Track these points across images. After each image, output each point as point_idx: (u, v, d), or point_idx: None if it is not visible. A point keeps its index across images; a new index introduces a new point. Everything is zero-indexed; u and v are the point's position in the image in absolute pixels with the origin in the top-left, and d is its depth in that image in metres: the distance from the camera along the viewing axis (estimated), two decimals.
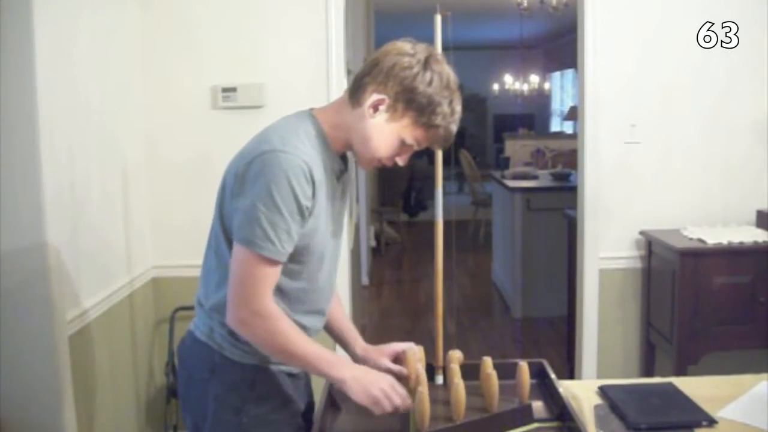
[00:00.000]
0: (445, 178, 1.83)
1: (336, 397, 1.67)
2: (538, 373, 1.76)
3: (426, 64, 1.51)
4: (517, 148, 10.16)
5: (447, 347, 1.80)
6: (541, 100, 12.40)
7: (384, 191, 8.33)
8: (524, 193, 5.36)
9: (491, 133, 14.08)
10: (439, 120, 1.51)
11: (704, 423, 1.62)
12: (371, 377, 1.53)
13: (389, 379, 1.54)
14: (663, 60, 3.23)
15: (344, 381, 1.51)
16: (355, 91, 1.55)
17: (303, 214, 1.48)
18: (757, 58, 3.22)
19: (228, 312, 1.51)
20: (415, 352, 1.72)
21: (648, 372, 3.29)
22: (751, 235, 3.03)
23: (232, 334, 1.58)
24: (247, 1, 3.14)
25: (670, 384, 1.84)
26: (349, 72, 3.97)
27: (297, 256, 1.54)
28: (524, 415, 1.54)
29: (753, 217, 3.26)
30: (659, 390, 1.81)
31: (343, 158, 1.65)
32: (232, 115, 3.15)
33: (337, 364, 1.53)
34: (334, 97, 3.14)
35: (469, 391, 1.54)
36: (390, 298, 6.16)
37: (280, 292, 1.56)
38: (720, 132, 3.27)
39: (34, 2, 2.14)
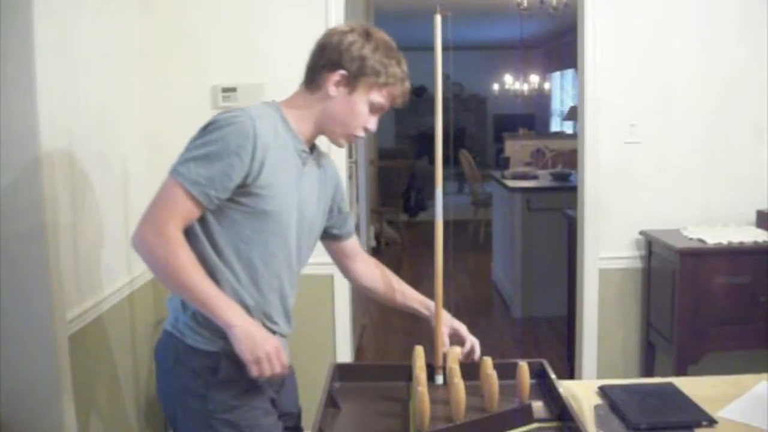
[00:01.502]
0: (445, 178, 1.83)
1: (336, 397, 1.66)
2: (538, 373, 1.75)
3: (367, 35, 1.65)
4: (517, 148, 10.15)
5: None
6: (541, 100, 12.38)
7: (384, 191, 8.32)
8: (524, 193, 5.36)
9: (491, 133, 14.06)
10: (394, 79, 1.66)
11: (704, 423, 1.62)
12: (261, 337, 1.54)
13: (276, 344, 1.56)
14: (663, 60, 3.23)
15: (232, 327, 1.52)
16: (312, 78, 1.68)
17: (232, 165, 1.52)
18: (757, 58, 3.22)
19: (134, 232, 1.57)
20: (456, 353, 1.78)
21: (648, 372, 3.29)
22: (751, 235, 3.03)
23: (194, 319, 1.62)
24: (247, 1, 3.14)
25: (670, 384, 1.84)
26: None
27: (252, 219, 1.60)
28: (524, 415, 1.54)
29: (753, 217, 3.26)
30: (659, 390, 1.81)
31: (312, 149, 1.75)
32: None
33: (229, 309, 1.54)
34: None
35: (469, 391, 1.54)
36: None
37: (239, 257, 1.61)
38: (720, 132, 3.27)
39: (34, 2, 2.14)
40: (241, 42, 3.16)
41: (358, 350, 4.47)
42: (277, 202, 1.61)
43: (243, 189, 1.57)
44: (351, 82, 1.64)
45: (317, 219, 1.79)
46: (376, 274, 1.98)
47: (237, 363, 1.59)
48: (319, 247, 3.24)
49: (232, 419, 1.62)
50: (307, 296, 3.28)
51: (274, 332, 1.69)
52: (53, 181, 2.25)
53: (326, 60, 1.64)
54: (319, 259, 3.28)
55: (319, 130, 1.71)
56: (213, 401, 1.61)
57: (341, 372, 1.79)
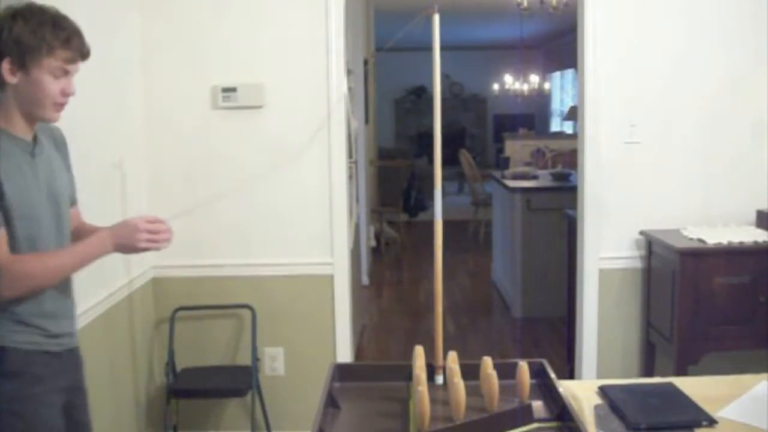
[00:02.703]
0: (445, 178, 1.83)
1: (336, 397, 1.66)
2: (538, 373, 1.75)
3: (13, 17, 1.64)
4: (517, 148, 10.15)
5: (447, 347, 1.80)
6: (541, 100, 12.39)
7: (384, 191, 8.32)
8: (524, 193, 5.36)
9: (491, 133, 14.07)
10: (57, 42, 1.66)
11: (704, 423, 1.62)
12: (128, 233, 1.78)
13: (140, 225, 1.78)
14: (663, 60, 3.23)
15: (110, 252, 1.77)
16: None
17: None
18: (757, 58, 3.22)
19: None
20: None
21: (648, 372, 3.29)
22: (751, 235, 3.03)
23: None
24: (247, 2, 3.14)
25: (670, 384, 1.84)
26: (349, 72, 3.97)
27: (19, 233, 1.67)
28: (524, 415, 1.54)
29: (753, 217, 3.26)
30: (659, 390, 1.81)
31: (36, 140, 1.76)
32: (232, 115, 3.15)
33: (98, 244, 1.77)
34: (334, 97, 3.15)
35: (469, 391, 1.54)
36: (390, 298, 6.16)
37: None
38: (720, 132, 3.27)
39: None
40: (241, 42, 3.17)
41: (358, 350, 4.47)
42: (28, 208, 1.67)
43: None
44: (21, 66, 1.64)
45: (69, 191, 1.89)
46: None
47: (20, 356, 1.70)
48: (320, 246, 3.25)
49: (17, 409, 1.69)
50: (307, 296, 3.29)
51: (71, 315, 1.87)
52: None
53: None
54: (319, 259, 3.30)
55: (28, 117, 1.71)
56: (2, 389, 1.68)
57: (341, 372, 1.79)
